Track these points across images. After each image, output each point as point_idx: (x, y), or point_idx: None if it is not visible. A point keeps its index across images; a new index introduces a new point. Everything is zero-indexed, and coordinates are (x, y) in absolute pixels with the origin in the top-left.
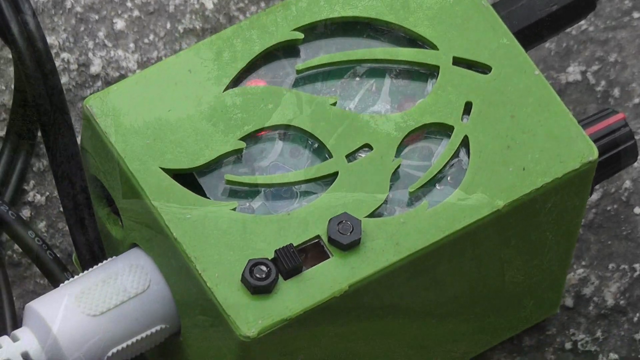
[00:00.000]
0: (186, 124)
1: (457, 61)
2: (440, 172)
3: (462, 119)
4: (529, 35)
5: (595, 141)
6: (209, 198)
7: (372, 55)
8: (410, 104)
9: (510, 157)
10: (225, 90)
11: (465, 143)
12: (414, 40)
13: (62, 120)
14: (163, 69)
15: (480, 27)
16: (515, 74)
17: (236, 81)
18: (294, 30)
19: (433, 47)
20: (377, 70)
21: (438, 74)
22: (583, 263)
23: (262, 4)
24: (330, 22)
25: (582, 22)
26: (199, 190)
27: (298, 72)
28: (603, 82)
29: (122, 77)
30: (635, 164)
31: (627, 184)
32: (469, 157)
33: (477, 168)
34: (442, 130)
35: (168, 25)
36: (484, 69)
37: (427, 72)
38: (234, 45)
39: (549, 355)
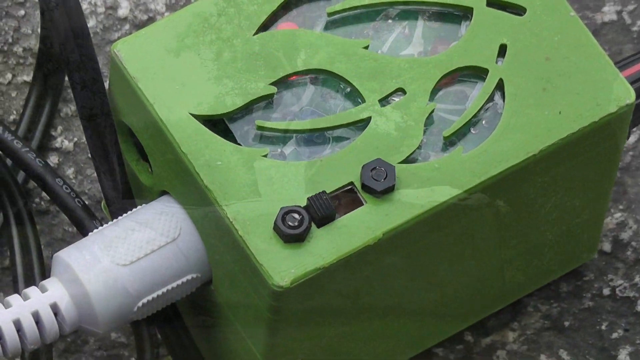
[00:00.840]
0: (216, 68)
1: (491, 2)
2: (475, 116)
3: (496, 62)
4: None
5: (632, 83)
6: (239, 144)
7: None
8: (443, 47)
9: (546, 100)
10: (255, 33)
11: (500, 86)
12: None
13: (89, 61)
14: (192, 13)
15: None
16: (550, 15)
17: (266, 24)
18: None
19: None
20: (410, 12)
21: (472, 15)
22: (620, 207)
23: None
24: None
25: None
26: (229, 136)
27: (329, 14)
28: (639, 22)
29: (151, 20)
30: None
31: None
32: (504, 101)
33: (513, 112)
34: (477, 73)
35: None
36: (518, 10)
37: (460, 14)
38: None
39: (587, 302)
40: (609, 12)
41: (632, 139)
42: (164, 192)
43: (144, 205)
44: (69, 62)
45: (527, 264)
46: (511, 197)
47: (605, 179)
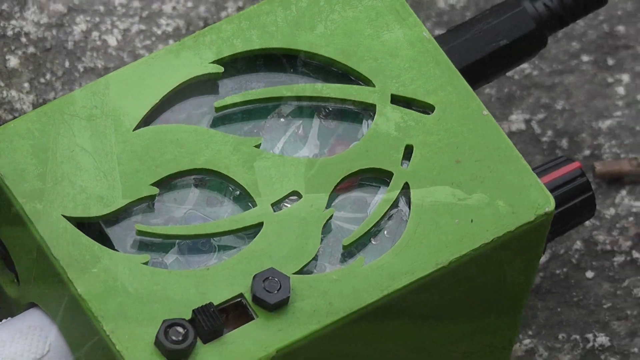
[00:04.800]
0: (92, 166)
1: (396, 99)
2: (376, 224)
3: (401, 164)
4: (475, 73)
5: (551, 191)
6: (117, 250)
7: (300, 92)
8: (342, 148)
9: (457, 207)
10: (135, 129)
11: (405, 191)
12: (347, 76)
13: None
14: (65, 105)
15: (422, 62)
16: (461, 114)
17: (148, 119)
18: (213, 62)
19: (369, 83)
20: (305, 109)
21: (374, 113)
22: (530, 332)
23: (171, 41)
24: (254, 54)
25: (526, 65)
26: (106, 241)
27: (217, 109)
28: (549, 132)
29: None
30: (587, 222)
31: (578, 244)
32: (409, 208)
33: (419, 220)
34: (379, 176)
35: (67, 64)
36: (426, 108)
37: (361, 112)
38: (145, 79)
39: None
40: (516, 121)
41: (542, 258)
42: (32, 304)
43: (9, 318)
44: None
45: None
46: (416, 312)
47: (518, 297)
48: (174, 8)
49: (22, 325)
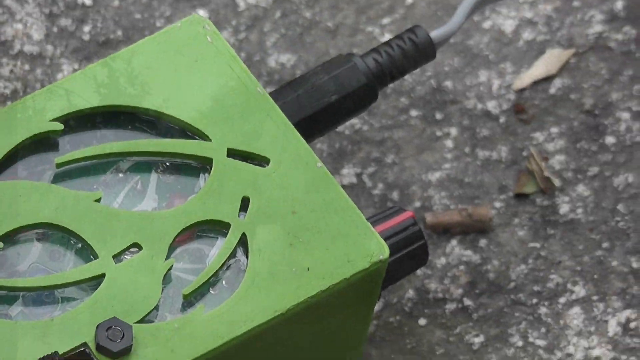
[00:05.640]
0: None
1: (232, 153)
2: (215, 274)
3: (239, 216)
4: (309, 127)
5: (385, 239)
6: None
7: (137, 148)
8: (180, 201)
9: (293, 256)
10: None
11: (243, 242)
12: (184, 131)
13: None
14: None
15: (257, 117)
16: (296, 167)
17: None
18: (53, 120)
19: (205, 138)
20: (143, 164)
21: (211, 167)
22: None
23: (9, 103)
24: (93, 112)
25: (356, 120)
26: None
27: (58, 166)
28: (380, 185)
29: None
30: (419, 272)
31: (410, 293)
32: (247, 258)
33: (257, 269)
34: (217, 228)
35: None
36: (261, 161)
37: (198, 166)
38: None
39: None
40: (348, 175)
41: (377, 306)
42: None
43: None
44: None
45: None
46: (258, 357)
47: (355, 344)
48: (11, 71)
49: None
